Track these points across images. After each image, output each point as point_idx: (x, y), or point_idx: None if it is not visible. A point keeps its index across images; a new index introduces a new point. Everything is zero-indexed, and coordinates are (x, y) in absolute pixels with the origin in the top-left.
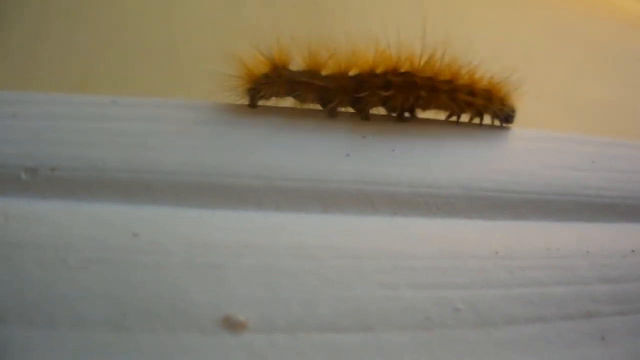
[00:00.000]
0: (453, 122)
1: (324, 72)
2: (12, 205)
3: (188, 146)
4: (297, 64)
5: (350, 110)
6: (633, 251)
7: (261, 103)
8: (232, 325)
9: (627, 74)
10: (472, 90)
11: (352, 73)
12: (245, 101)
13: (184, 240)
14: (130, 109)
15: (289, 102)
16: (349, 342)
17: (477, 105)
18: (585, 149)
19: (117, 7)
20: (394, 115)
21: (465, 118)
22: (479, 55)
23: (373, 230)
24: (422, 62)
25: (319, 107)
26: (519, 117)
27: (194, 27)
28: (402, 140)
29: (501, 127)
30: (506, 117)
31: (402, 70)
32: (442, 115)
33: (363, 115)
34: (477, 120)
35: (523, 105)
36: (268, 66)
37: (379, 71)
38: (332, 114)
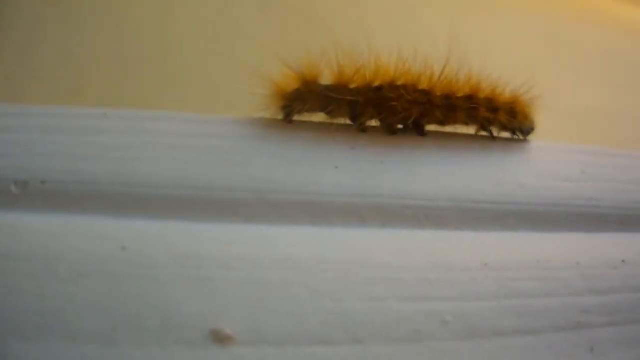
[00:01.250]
0: (444, 134)
1: (352, 86)
2: (1, 217)
3: (178, 159)
4: (325, 78)
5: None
6: (623, 261)
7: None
8: (219, 338)
9: (626, 81)
10: (493, 106)
11: (375, 84)
12: (280, 117)
13: (173, 253)
14: (121, 122)
15: (319, 117)
16: (338, 355)
17: (500, 121)
18: (575, 159)
19: (111, 17)
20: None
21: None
22: (476, 66)
23: (361, 242)
24: (439, 80)
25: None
26: None
27: (188, 36)
28: (391, 152)
29: (493, 138)
30: (527, 131)
31: (420, 87)
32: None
33: (390, 130)
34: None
35: None
36: (298, 81)
37: (399, 83)
38: (362, 129)
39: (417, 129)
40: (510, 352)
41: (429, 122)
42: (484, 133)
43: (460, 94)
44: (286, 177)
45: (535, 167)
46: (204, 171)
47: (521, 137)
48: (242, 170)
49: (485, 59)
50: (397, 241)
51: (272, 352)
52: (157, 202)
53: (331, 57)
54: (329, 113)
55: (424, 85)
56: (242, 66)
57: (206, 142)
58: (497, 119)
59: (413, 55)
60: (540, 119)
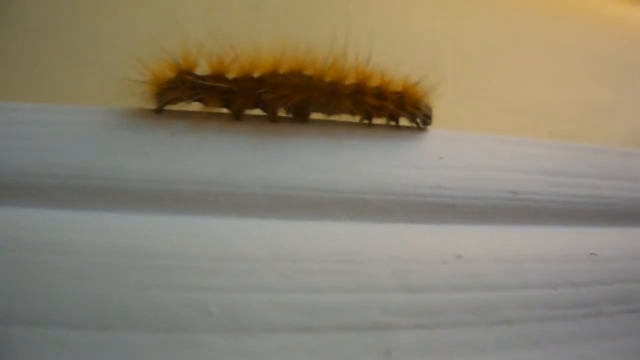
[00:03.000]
0: (287, 120)
1: (230, 75)
2: None
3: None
4: (203, 68)
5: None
6: (459, 256)
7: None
8: None
9: (577, 72)
10: (381, 93)
11: (255, 74)
12: (152, 106)
13: None
14: None
15: (195, 106)
16: (83, 339)
17: (388, 108)
18: (434, 145)
19: (16, 15)
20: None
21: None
22: (419, 56)
23: (149, 228)
24: (327, 65)
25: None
26: (447, 118)
27: (75, 30)
28: (212, 138)
29: (371, 126)
30: (422, 119)
31: (306, 73)
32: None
33: (271, 117)
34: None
35: (454, 106)
36: (174, 71)
37: (281, 71)
38: (238, 116)
39: (300, 116)
40: (279, 350)
41: (315, 110)
42: (366, 121)
43: (347, 82)
44: (89, 162)
45: (381, 155)
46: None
47: (420, 126)
48: (44, 156)
49: (435, 52)
50: (186, 228)
51: (18, 331)
52: None
53: (209, 47)
54: (200, 101)
55: (308, 72)
56: (123, 57)
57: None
58: (384, 106)
59: (300, 46)
60: (475, 110)
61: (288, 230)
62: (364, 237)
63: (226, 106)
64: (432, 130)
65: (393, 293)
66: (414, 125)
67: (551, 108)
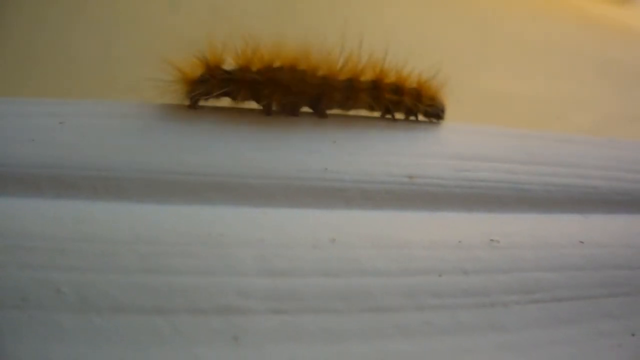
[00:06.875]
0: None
1: (254, 68)
2: None
3: None
4: (229, 64)
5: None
6: (332, 240)
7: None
8: None
9: (546, 67)
10: (398, 89)
11: (275, 65)
12: (186, 102)
13: None
14: None
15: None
16: None
17: (406, 103)
18: (328, 130)
19: (36, 12)
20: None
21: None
22: (403, 54)
23: (21, 211)
24: (341, 64)
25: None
26: None
27: (98, 27)
28: (99, 124)
29: (395, 120)
30: (436, 114)
31: (320, 72)
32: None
33: (292, 112)
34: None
35: None
36: (202, 68)
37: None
38: (267, 110)
39: (317, 112)
40: (124, 330)
41: (329, 106)
42: (388, 116)
43: (364, 78)
44: None
45: (271, 140)
46: None
47: (433, 120)
48: None
49: (409, 48)
50: (58, 211)
51: None
52: None
53: (234, 44)
54: (230, 95)
55: (324, 69)
56: (151, 55)
57: None
58: (402, 101)
59: (322, 42)
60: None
61: (157, 213)
62: (232, 221)
63: (254, 98)
64: (330, 116)
65: (252, 276)
66: (428, 119)
67: (515, 100)
